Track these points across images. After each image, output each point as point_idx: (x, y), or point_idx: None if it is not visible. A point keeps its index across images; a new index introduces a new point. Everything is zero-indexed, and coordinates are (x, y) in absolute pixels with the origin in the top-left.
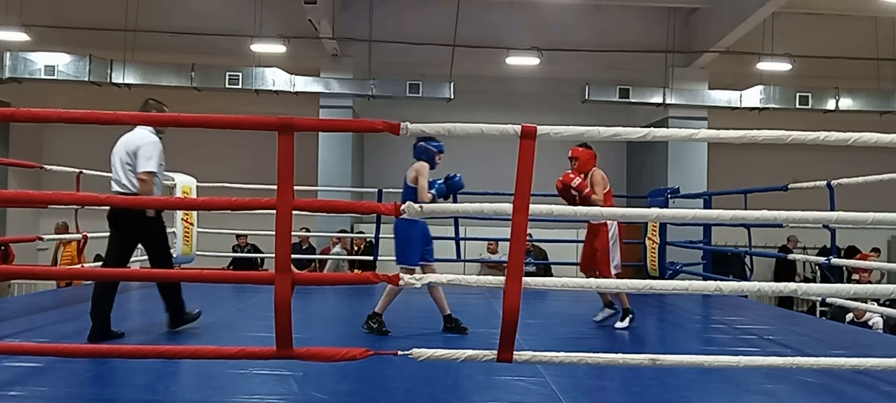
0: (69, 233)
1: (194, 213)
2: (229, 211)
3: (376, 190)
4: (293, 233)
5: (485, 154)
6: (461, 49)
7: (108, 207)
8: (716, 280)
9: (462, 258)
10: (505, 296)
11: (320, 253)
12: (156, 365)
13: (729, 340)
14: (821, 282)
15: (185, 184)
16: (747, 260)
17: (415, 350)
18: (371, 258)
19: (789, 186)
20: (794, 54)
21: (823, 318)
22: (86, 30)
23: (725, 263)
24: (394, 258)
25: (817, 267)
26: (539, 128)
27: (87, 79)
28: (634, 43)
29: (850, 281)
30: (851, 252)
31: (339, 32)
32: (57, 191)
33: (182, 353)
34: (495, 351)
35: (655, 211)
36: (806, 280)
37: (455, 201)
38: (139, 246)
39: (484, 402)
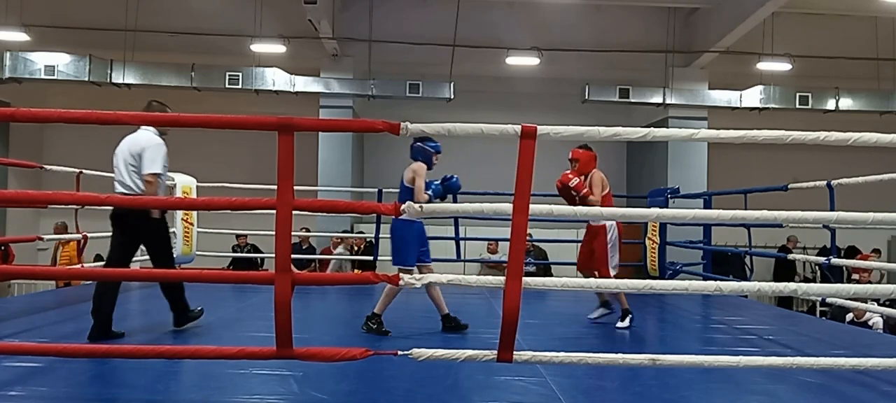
0: (68, 233)
1: (194, 213)
2: (229, 211)
3: (376, 190)
4: (293, 233)
5: (485, 154)
6: (461, 49)
7: (108, 208)
8: (716, 280)
9: (462, 258)
10: (505, 296)
11: (320, 253)
12: (156, 365)
13: (729, 340)
14: (821, 282)
15: (185, 184)
16: (747, 260)
17: (415, 350)
18: (371, 258)
19: (789, 186)
20: (794, 54)
21: (823, 318)
22: (86, 30)
23: (725, 263)
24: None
25: (817, 267)
26: (539, 128)
27: (87, 79)
28: (634, 43)
29: (849, 281)
30: (851, 252)
31: (339, 32)
32: (57, 190)
33: (182, 353)
34: (495, 351)
35: (655, 211)
36: (806, 280)
37: (455, 201)
38: (140, 246)
39: (484, 402)
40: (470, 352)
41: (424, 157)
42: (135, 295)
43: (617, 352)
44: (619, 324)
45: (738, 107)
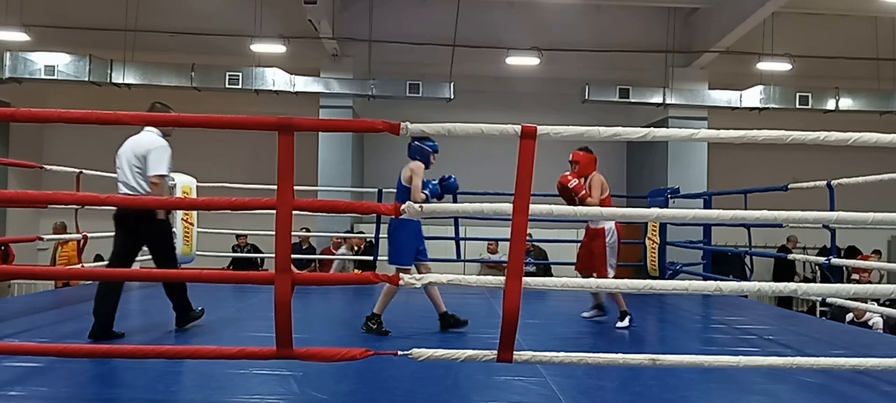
0: (67, 233)
1: (194, 213)
2: (229, 211)
3: (376, 190)
4: (293, 233)
5: (485, 154)
6: (461, 49)
7: (109, 208)
8: (716, 280)
9: (462, 258)
10: (505, 296)
11: (320, 253)
12: (156, 365)
13: (729, 340)
14: (821, 282)
15: (185, 184)
16: (747, 260)
17: (415, 350)
18: (371, 258)
19: (789, 186)
20: (794, 54)
21: (823, 318)
22: (86, 30)
23: (725, 263)
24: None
25: (817, 267)
26: (539, 128)
27: (87, 79)
28: (634, 43)
29: (849, 281)
30: (851, 252)
31: (339, 32)
32: (57, 190)
33: (182, 353)
34: (495, 351)
35: (655, 211)
36: (806, 280)
37: (455, 201)
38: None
39: (484, 402)
40: (470, 352)
41: (422, 156)
42: (135, 295)
43: (617, 352)
44: (619, 324)
45: (738, 107)
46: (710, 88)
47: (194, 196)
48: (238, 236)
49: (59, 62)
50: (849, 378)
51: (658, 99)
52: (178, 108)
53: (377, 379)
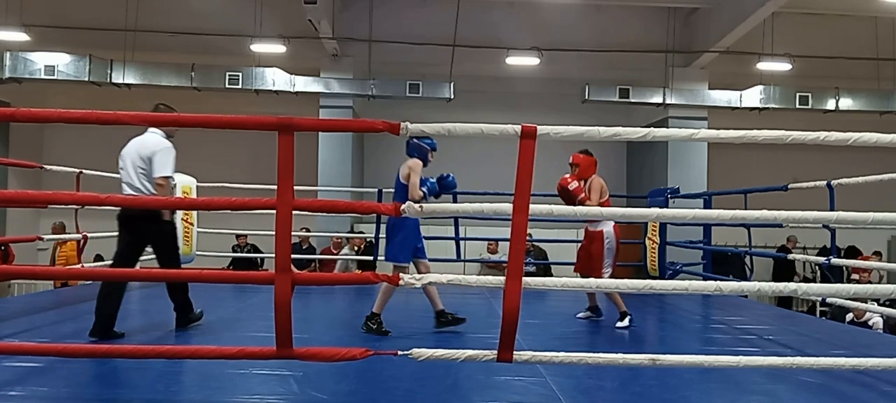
0: (66, 233)
1: (194, 213)
2: (229, 211)
3: (376, 190)
4: (293, 233)
5: (485, 154)
6: (461, 49)
7: (110, 208)
8: (716, 280)
9: (462, 258)
10: (505, 296)
11: (320, 253)
12: (156, 365)
13: (729, 340)
14: (821, 282)
15: (185, 184)
16: (747, 260)
17: (415, 350)
18: (371, 258)
19: (789, 186)
20: (794, 54)
21: (823, 318)
22: (86, 30)
23: (725, 263)
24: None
25: (817, 267)
26: (539, 128)
27: (87, 79)
28: (634, 43)
29: (849, 281)
30: (851, 252)
31: (339, 32)
32: (57, 190)
33: (182, 353)
34: (495, 351)
35: (655, 211)
36: (806, 280)
37: (455, 201)
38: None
39: (484, 402)
40: (470, 352)
41: (420, 154)
42: (135, 295)
43: (617, 352)
44: (619, 324)
45: (738, 107)
46: (710, 88)
47: (194, 196)
48: (238, 236)
49: (59, 62)
50: (849, 378)
51: (658, 99)
52: (178, 108)
53: (377, 379)
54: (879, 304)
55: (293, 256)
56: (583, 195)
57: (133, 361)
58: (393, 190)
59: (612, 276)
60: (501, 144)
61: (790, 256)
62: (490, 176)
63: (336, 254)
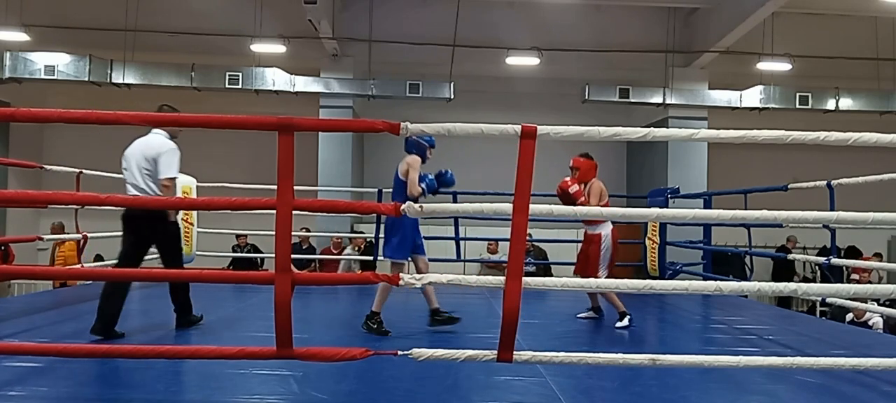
0: (66, 233)
1: (194, 213)
2: (229, 211)
3: (376, 190)
4: (293, 233)
5: (485, 154)
6: (461, 49)
7: (110, 208)
8: (716, 280)
9: (462, 258)
10: (505, 296)
11: (320, 253)
12: (156, 365)
13: (729, 340)
14: (821, 282)
15: (185, 184)
16: (747, 260)
17: (415, 350)
18: (371, 258)
19: (789, 186)
20: (794, 54)
21: (823, 318)
22: (86, 30)
23: (725, 263)
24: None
25: (817, 267)
26: (539, 128)
27: (87, 79)
28: (634, 43)
29: (849, 281)
30: (852, 252)
31: (339, 32)
32: (57, 190)
33: (182, 353)
34: (495, 351)
35: (655, 211)
36: (806, 280)
37: (455, 200)
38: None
39: (484, 402)
40: (470, 352)
41: (418, 150)
42: (135, 295)
43: (617, 352)
44: (618, 324)
45: (738, 107)
46: (710, 88)
47: (194, 196)
48: (238, 236)
49: (59, 62)
50: (849, 378)
51: (658, 99)
52: (178, 109)
53: (377, 379)
54: (879, 304)
55: (293, 256)
56: (583, 198)
57: (133, 361)
58: (393, 190)
59: (608, 278)
60: (501, 144)
61: (790, 256)
62: (490, 176)
63: (336, 254)
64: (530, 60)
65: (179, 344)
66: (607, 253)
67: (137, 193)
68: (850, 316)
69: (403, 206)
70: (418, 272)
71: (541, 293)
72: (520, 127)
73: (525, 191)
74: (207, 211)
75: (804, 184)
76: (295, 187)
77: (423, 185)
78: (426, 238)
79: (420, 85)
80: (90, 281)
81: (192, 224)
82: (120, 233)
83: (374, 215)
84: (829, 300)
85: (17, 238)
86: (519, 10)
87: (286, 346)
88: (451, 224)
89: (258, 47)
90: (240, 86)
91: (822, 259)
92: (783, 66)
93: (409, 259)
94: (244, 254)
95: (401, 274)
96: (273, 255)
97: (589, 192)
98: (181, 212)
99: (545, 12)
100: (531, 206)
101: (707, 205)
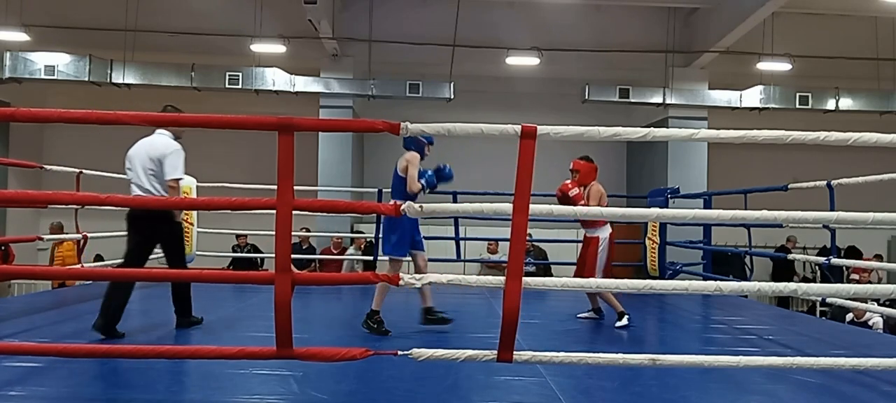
0: (65, 233)
1: (194, 213)
2: (229, 211)
3: (376, 190)
4: (293, 233)
5: (485, 154)
6: (461, 49)
7: (110, 208)
8: (716, 280)
9: (462, 258)
10: (505, 296)
11: (321, 253)
12: (156, 365)
13: (729, 340)
14: (821, 282)
15: (185, 184)
16: (747, 260)
17: (415, 350)
18: (371, 258)
19: (789, 186)
20: (794, 54)
21: (823, 318)
22: (86, 30)
23: (725, 263)
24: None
25: (817, 267)
26: (539, 128)
27: (87, 79)
28: (634, 43)
29: (849, 281)
30: (852, 252)
31: (339, 32)
32: (57, 190)
33: (182, 353)
34: (495, 351)
35: (655, 211)
36: (806, 280)
37: (455, 201)
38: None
39: (484, 402)
40: (470, 352)
41: (417, 147)
42: (135, 295)
43: (617, 352)
44: (618, 324)
45: (738, 107)
46: (710, 88)
47: (194, 196)
48: (238, 236)
49: (59, 62)
50: (849, 378)
51: (658, 99)
52: (182, 109)
53: (377, 379)
54: (879, 304)
55: (293, 256)
56: (582, 202)
57: (133, 361)
58: (392, 187)
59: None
60: (501, 144)
61: (790, 256)
62: (490, 176)
63: (336, 254)
64: (530, 60)
65: (179, 344)
66: (604, 257)
67: (142, 193)
68: (850, 316)
69: (403, 207)
70: (417, 269)
71: (541, 293)
72: (520, 127)
73: (525, 191)
74: (207, 211)
75: (804, 184)
76: (295, 187)
77: (423, 182)
78: (426, 238)
79: (420, 85)
80: (90, 281)
81: (192, 224)
82: (120, 233)
83: (374, 215)
84: (829, 300)
85: (17, 238)
86: (519, 10)
87: (286, 346)
88: (451, 224)
89: (258, 47)
90: (240, 86)
91: (822, 259)
92: (783, 66)
93: (409, 256)
94: (244, 254)
95: (401, 275)
96: (273, 255)
97: (588, 195)
98: (182, 212)
99: (545, 12)
100: (531, 206)
101: (707, 205)
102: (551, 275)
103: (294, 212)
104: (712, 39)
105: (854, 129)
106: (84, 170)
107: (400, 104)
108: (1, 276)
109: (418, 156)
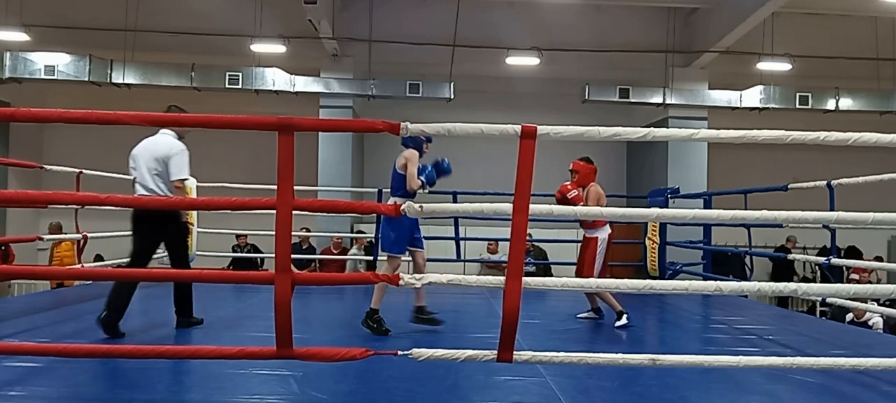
0: (64, 233)
1: (194, 213)
2: (229, 211)
3: (376, 190)
4: (293, 233)
5: (485, 154)
6: (461, 49)
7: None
8: (716, 280)
9: (462, 258)
10: (505, 296)
11: (321, 253)
12: (156, 365)
13: (729, 340)
14: (821, 282)
15: (187, 184)
16: (747, 260)
17: (415, 350)
18: (371, 258)
19: (789, 186)
20: (794, 54)
21: (823, 318)
22: (86, 30)
23: (725, 263)
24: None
25: (817, 267)
26: (539, 128)
27: (87, 79)
28: (634, 43)
29: (848, 281)
30: (852, 252)
31: (339, 32)
32: (57, 190)
33: (182, 353)
34: (495, 351)
35: (655, 211)
36: (806, 280)
37: (455, 200)
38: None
39: (484, 402)
40: (470, 352)
41: (415, 144)
42: (135, 294)
43: (617, 352)
44: (617, 324)
45: (738, 107)
46: (710, 88)
47: (194, 196)
48: (238, 236)
49: (59, 62)
50: (849, 378)
51: (658, 99)
52: (186, 110)
53: (377, 379)
54: (879, 304)
55: (293, 256)
56: (581, 203)
57: (133, 361)
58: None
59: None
60: (501, 144)
61: (790, 256)
62: (490, 176)
63: (336, 254)
64: (530, 60)
65: (179, 344)
66: (602, 258)
67: (146, 193)
68: (850, 316)
69: (403, 207)
70: (416, 267)
71: (541, 293)
72: (520, 127)
73: (525, 191)
74: (207, 211)
75: (804, 184)
76: (295, 187)
77: (423, 178)
78: (426, 238)
79: (420, 85)
80: (90, 282)
81: (192, 224)
82: (120, 234)
83: (375, 215)
84: (829, 300)
85: (17, 238)
86: (519, 10)
87: (286, 346)
88: (451, 224)
89: (258, 47)
90: (240, 86)
91: (822, 259)
92: (783, 66)
93: (407, 253)
94: (244, 254)
95: (401, 275)
96: (273, 255)
97: (587, 196)
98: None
99: (545, 12)
100: (531, 206)
101: (707, 205)
102: (551, 275)
103: (294, 212)
104: (712, 39)
105: (854, 129)
106: (84, 170)
107: (400, 104)
108: (1, 276)
109: (417, 153)
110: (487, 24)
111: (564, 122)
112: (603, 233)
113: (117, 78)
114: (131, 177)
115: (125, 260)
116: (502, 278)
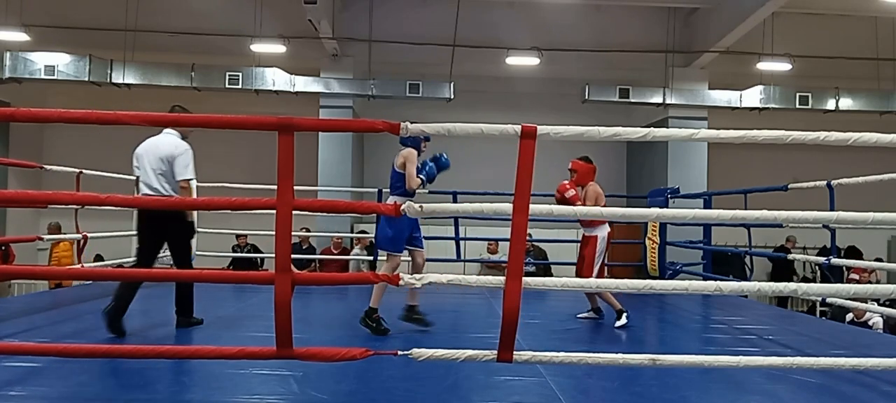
0: (63, 233)
1: (194, 213)
2: (229, 211)
3: (376, 190)
4: (293, 233)
5: (485, 154)
6: (461, 49)
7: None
8: (716, 280)
9: (462, 258)
10: (505, 296)
11: (320, 253)
12: (156, 365)
13: (729, 340)
14: (821, 282)
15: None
16: (747, 260)
17: (415, 350)
18: (372, 257)
19: (789, 186)
20: (794, 54)
21: (823, 318)
22: (86, 30)
23: (725, 263)
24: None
25: (817, 267)
26: (539, 128)
27: (87, 79)
28: (634, 43)
29: (848, 281)
30: (852, 252)
31: (339, 32)
32: (57, 190)
33: (182, 353)
34: (495, 351)
35: (655, 211)
36: (805, 280)
37: (455, 200)
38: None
39: (484, 402)
40: (470, 352)
41: (413, 142)
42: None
43: (617, 352)
44: (617, 323)
45: (738, 107)
46: (710, 88)
47: (194, 196)
48: (238, 236)
49: (59, 62)
50: (849, 378)
51: (658, 99)
52: (189, 110)
53: (377, 379)
54: (879, 304)
55: (293, 256)
56: (580, 202)
57: (133, 361)
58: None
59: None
60: (501, 144)
61: (790, 256)
62: (490, 176)
63: (336, 254)
64: (530, 60)
65: (180, 344)
66: (601, 255)
67: (151, 193)
68: (850, 316)
69: (403, 207)
70: (415, 267)
71: (541, 293)
72: (520, 127)
73: (525, 191)
74: (207, 211)
75: (804, 184)
76: (295, 187)
77: (422, 176)
78: (426, 238)
79: (420, 85)
80: (89, 282)
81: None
82: (120, 233)
83: (375, 215)
84: (829, 300)
85: (17, 238)
86: (519, 10)
87: (286, 346)
88: (451, 224)
89: (258, 47)
90: (240, 86)
91: (822, 259)
92: (783, 66)
93: (407, 252)
94: (244, 254)
95: (401, 275)
96: (273, 255)
97: (585, 195)
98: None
99: (545, 12)
100: (531, 206)
101: (707, 205)
102: (551, 275)
103: (294, 212)
104: (712, 39)
105: (854, 129)
106: (84, 170)
107: (400, 104)
108: (1, 276)
109: (415, 151)
110: (487, 24)
111: (564, 122)
112: (602, 232)
113: (117, 78)
114: (134, 177)
115: (125, 259)
116: (502, 278)
